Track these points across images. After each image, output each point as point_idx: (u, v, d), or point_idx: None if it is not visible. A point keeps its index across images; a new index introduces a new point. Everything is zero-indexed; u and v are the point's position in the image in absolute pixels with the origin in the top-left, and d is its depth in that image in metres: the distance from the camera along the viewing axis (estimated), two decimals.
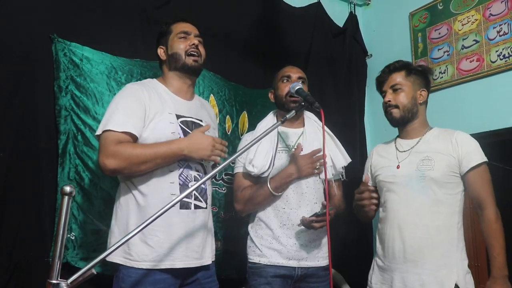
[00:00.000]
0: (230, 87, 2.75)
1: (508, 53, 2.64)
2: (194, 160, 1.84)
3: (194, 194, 1.85)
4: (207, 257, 1.91)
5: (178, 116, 1.87)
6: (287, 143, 2.22)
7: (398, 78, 2.08)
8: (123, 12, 2.38)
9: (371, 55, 3.54)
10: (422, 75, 2.12)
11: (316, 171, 2.12)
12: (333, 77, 3.31)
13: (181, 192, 1.77)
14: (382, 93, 2.14)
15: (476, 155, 1.96)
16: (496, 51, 2.70)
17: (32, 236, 1.95)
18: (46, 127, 2.06)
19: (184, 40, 1.94)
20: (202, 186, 1.86)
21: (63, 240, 1.07)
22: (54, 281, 1.05)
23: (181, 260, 1.79)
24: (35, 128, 2.04)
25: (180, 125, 1.86)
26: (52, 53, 2.09)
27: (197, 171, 1.88)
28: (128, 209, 1.78)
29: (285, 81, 2.23)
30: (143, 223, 1.26)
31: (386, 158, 2.14)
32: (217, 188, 2.55)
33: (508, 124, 2.62)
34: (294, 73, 2.25)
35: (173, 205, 1.34)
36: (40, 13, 2.09)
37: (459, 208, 1.98)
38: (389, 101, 2.07)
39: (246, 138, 2.29)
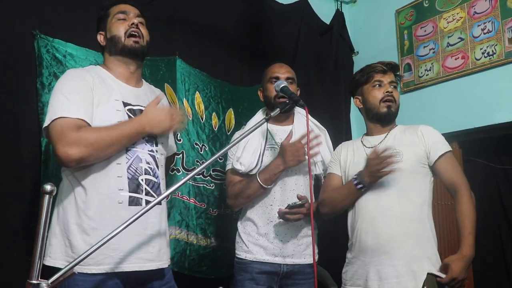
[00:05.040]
0: (216, 84, 2.73)
1: (492, 51, 2.67)
2: (156, 134, 1.71)
3: (146, 189, 1.66)
4: (165, 259, 1.73)
5: (125, 104, 1.69)
6: (276, 141, 2.21)
7: (394, 78, 2.13)
8: None
9: (357, 52, 3.55)
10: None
11: (306, 156, 2.03)
12: (319, 74, 3.31)
13: (129, 187, 1.61)
14: (377, 82, 2.09)
15: (442, 144, 2.01)
16: (481, 49, 2.73)
17: (14, 235, 1.92)
18: (29, 124, 2.03)
19: (123, 22, 1.74)
20: (155, 180, 1.69)
21: (43, 239, 1.05)
22: (34, 281, 1.03)
23: (132, 262, 1.59)
24: (18, 125, 2.01)
25: (127, 113, 1.68)
26: (35, 50, 2.06)
27: (147, 163, 1.69)
28: (68, 207, 1.59)
29: (273, 82, 2.19)
30: (113, 230, 1.20)
31: (354, 155, 2.15)
32: (205, 184, 2.54)
33: (492, 121, 2.66)
34: (283, 73, 2.23)
35: (149, 209, 1.27)
36: (22, 8, 2.05)
37: (429, 199, 2.01)
38: (392, 92, 2.07)
39: (236, 136, 2.27)
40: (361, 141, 2.18)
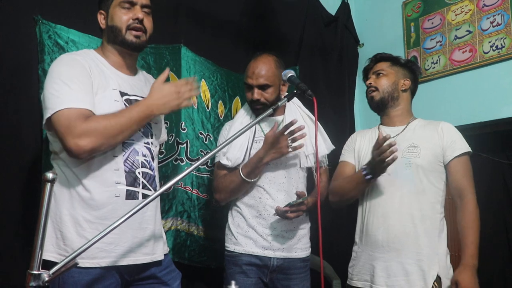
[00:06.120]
0: (222, 72, 2.70)
1: (501, 44, 2.63)
2: (165, 114, 1.65)
3: (142, 182, 1.63)
4: (160, 251, 1.70)
5: (122, 94, 1.64)
6: (265, 133, 2.13)
7: (383, 66, 2.12)
8: None
9: (363, 44, 3.52)
10: (408, 68, 2.14)
11: (290, 149, 2.00)
12: (324, 66, 3.28)
13: (127, 180, 1.58)
14: (367, 80, 2.18)
15: (460, 144, 1.98)
16: (489, 42, 2.69)
17: (15, 225, 1.89)
18: (30, 112, 1.99)
19: (127, 12, 1.64)
20: (150, 173, 1.67)
21: (44, 229, 1.02)
22: (35, 272, 1.00)
23: (127, 256, 1.57)
24: (19, 113, 1.98)
25: (125, 104, 1.63)
26: (36, 35, 2.02)
27: (144, 155, 1.66)
28: (61, 197, 1.54)
29: (248, 88, 2.12)
30: (112, 224, 1.16)
31: (370, 144, 2.11)
32: (209, 175, 2.52)
33: (499, 116, 2.63)
34: (255, 79, 2.07)
35: (149, 202, 1.24)
36: None
37: (442, 198, 1.99)
38: (370, 83, 2.11)
39: (226, 127, 2.24)
40: (378, 131, 2.14)
